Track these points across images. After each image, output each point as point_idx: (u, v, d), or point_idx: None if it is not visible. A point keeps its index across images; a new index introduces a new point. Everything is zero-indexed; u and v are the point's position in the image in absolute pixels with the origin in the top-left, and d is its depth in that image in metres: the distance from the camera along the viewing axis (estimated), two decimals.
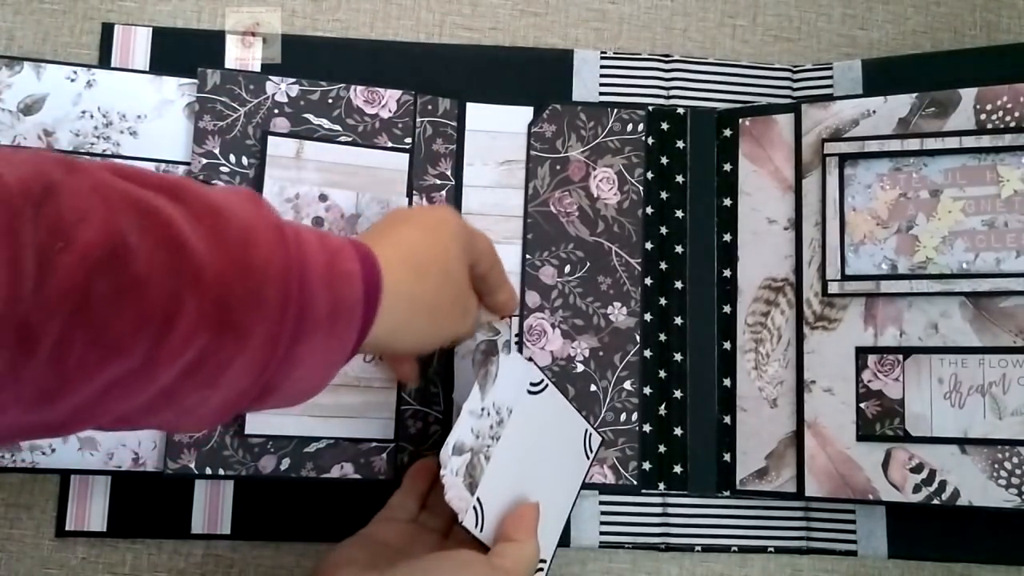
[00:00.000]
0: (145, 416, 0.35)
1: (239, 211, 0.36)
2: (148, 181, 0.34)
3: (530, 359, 0.55)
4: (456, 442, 0.46)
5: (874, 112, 0.56)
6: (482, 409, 0.47)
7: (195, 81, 0.55)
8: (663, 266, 0.58)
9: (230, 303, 0.34)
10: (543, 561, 0.48)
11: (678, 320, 0.58)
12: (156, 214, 0.33)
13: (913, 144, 0.54)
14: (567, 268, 0.57)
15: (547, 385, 0.51)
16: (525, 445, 0.49)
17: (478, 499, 0.46)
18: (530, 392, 0.50)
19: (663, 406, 0.57)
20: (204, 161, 0.55)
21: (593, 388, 0.57)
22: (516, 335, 0.56)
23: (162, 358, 0.33)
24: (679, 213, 0.59)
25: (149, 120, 0.55)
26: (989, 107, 0.53)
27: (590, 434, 0.53)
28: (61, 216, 0.30)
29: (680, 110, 0.59)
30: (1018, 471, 0.51)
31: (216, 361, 0.34)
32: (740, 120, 0.59)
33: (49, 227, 0.30)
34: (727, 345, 0.57)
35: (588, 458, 0.53)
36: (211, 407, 0.37)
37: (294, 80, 0.56)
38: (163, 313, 0.32)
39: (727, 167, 0.59)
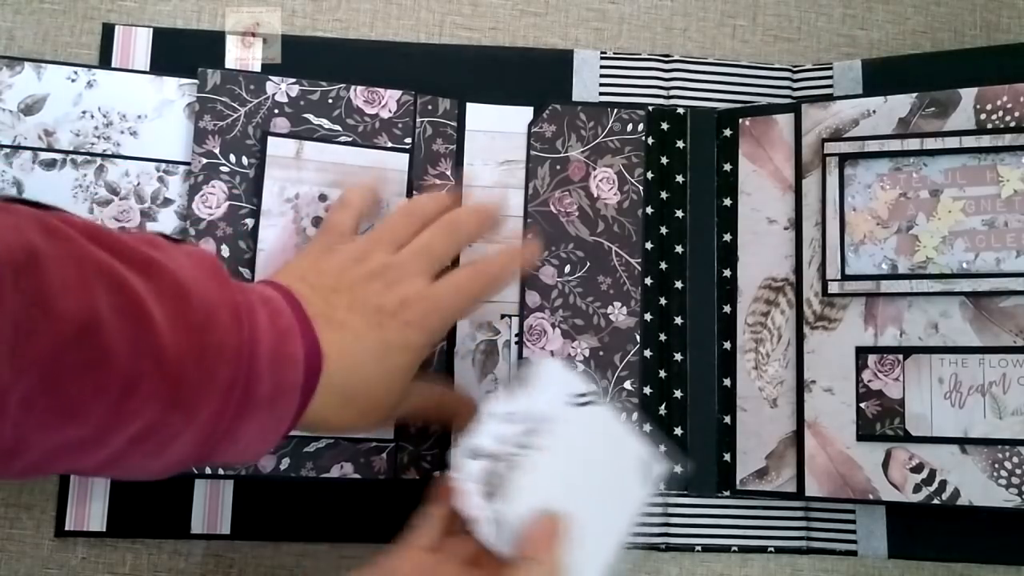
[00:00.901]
0: (92, 472, 0.38)
1: (202, 290, 0.38)
2: (121, 250, 0.36)
3: (583, 370, 0.51)
4: (473, 445, 0.43)
5: (874, 112, 0.56)
6: (508, 413, 0.44)
7: (195, 81, 0.55)
8: (663, 266, 0.58)
9: (184, 382, 0.36)
10: None
11: (678, 320, 0.58)
12: (127, 291, 0.34)
13: (913, 144, 0.54)
14: (567, 268, 0.57)
15: (596, 399, 0.47)
16: (563, 461, 0.45)
17: (498, 510, 0.42)
18: (573, 404, 0.46)
19: (663, 406, 0.57)
20: (204, 161, 0.55)
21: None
22: (516, 335, 0.56)
23: (113, 427, 0.34)
24: (679, 213, 0.59)
25: (149, 120, 0.55)
26: (989, 107, 0.53)
27: (650, 463, 0.48)
28: (41, 286, 0.31)
29: (680, 110, 0.59)
30: (1018, 471, 0.51)
31: (164, 434, 0.36)
32: (740, 120, 0.59)
33: (30, 295, 0.31)
34: (727, 345, 0.57)
35: (648, 487, 0.47)
36: (152, 470, 0.39)
37: (294, 80, 0.56)
38: (121, 386, 0.34)
39: (727, 167, 0.59)
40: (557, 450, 0.45)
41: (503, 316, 0.56)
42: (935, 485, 0.52)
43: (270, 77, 0.56)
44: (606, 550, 0.45)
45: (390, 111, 0.57)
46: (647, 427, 0.56)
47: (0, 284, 0.30)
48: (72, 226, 0.35)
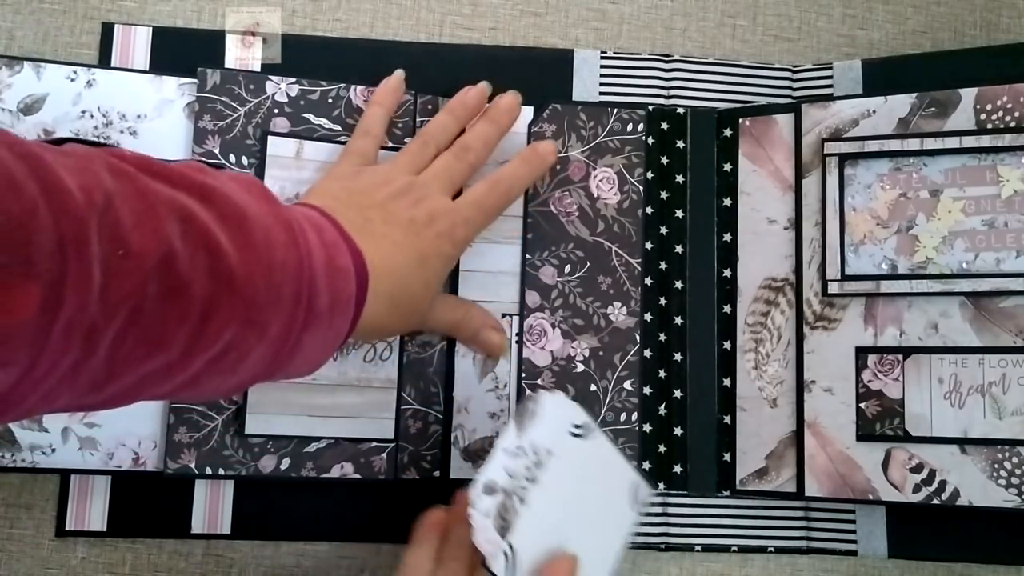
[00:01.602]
0: (166, 396, 0.39)
1: (256, 211, 0.39)
2: (178, 180, 0.37)
3: (574, 399, 0.51)
4: (488, 481, 0.43)
5: (874, 112, 0.56)
6: (518, 447, 0.45)
7: (195, 81, 0.55)
8: (663, 266, 0.58)
9: (255, 301, 0.37)
10: None
11: (678, 320, 0.58)
12: (194, 220, 0.36)
13: (913, 144, 0.54)
14: (567, 268, 0.57)
15: (591, 429, 0.48)
16: (565, 491, 0.46)
17: (509, 544, 0.43)
18: (572, 435, 0.47)
19: (663, 406, 0.57)
20: (204, 161, 0.55)
21: (593, 388, 0.57)
22: (516, 334, 0.56)
23: (195, 351, 0.36)
24: (679, 213, 0.59)
25: (149, 120, 0.55)
26: (989, 107, 0.53)
27: (639, 486, 0.49)
28: (119, 224, 0.33)
29: (680, 110, 0.59)
30: (1018, 471, 0.51)
31: (239, 352, 0.38)
32: (740, 120, 0.59)
33: (110, 235, 0.32)
34: (727, 345, 0.57)
35: (636, 511, 0.49)
36: (226, 388, 0.42)
37: (294, 80, 0.56)
38: (201, 311, 0.35)
39: (727, 167, 0.59)
40: (560, 481, 0.46)
41: (504, 315, 0.56)
42: (935, 485, 0.52)
43: (270, 77, 0.56)
44: (601, 571, 0.47)
45: None
46: (643, 428, 0.56)
47: (87, 228, 0.31)
48: (127, 161, 0.36)
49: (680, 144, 0.59)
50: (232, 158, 0.55)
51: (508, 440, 0.45)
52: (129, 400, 0.38)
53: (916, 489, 0.52)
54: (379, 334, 0.53)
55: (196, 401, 0.43)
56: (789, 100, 0.60)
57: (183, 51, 0.57)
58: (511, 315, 0.57)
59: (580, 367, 0.57)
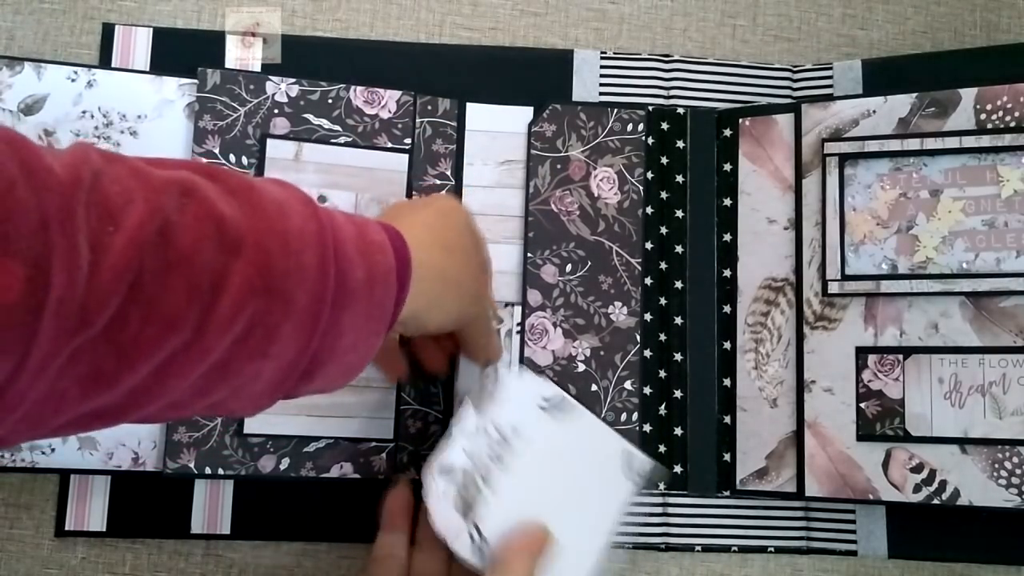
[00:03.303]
0: (200, 397, 0.36)
1: (269, 187, 0.38)
2: (180, 164, 0.36)
3: (544, 374, 0.50)
4: (442, 463, 0.43)
5: (874, 112, 0.56)
6: (476, 427, 0.44)
7: (195, 81, 0.55)
8: (663, 266, 0.58)
9: (272, 269, 0.35)
10: None
11: (678, 320, 0.58)
12: (194, 191, 0.34)
13: (913, 144, 0.54)
14: (568, 267, 0.57)
15: (565, 402, 0.47)
16: (541, 468, 0.44)
17: (475, 524, 0.42)
18: (542, 408, 0.46)
19: (663, 406, 0.57)
20: (204, 161, 0.55)
21: (594, 388, 0.57)
22: (518, 324, 0.56)
23: (212, 327, 0.34)
24: (679, 213, 0.59)
25: (149, 120, 0.55)
26: (989, 107, 0.53)
27: (631, 454, 0.47)
28: (109, 200, 0.31)
29: (680, 110, 0.59)
30: (1018, 471, 0.51)
31: (264, 328, 0.35)
32: (740, 120, 0.59)
33: (99, 212, 0.31)
34: (727, 345, 0.57)
35: (632, 482, 0.46)
36: (264, 382, 0.37)
37: (294, 80, 0.56)
38: (210, 283, 0.33)
39: (727, 167, 0.59)
40: (532, 458, 0.44)
41: (506, 304, 0.56)
42: (935, 485, 0.52)
43: (270, 77, 0.56)
44: (593, 550, 0.45)
45: (390, 111, 0.57)
46: (646, 427, 0.56)
47: (72, 204, 0.30)
48: (130, 156, 0.35)
49: (680, 144, 0.59)
50: (232, 158, 0.55)
51: (465, 421, 0.44)
52: (152, 400, 0.34)
53: (916, 489, 0.52)
54: (435, 318, 0.46)
55: (244, 408, 0.39)
56: (789, 100, 0.60)
57: (183, 51, 0.57)
58: (513, 304, 0.57)
59: (581, 367, 0.57)
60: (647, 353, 0.57)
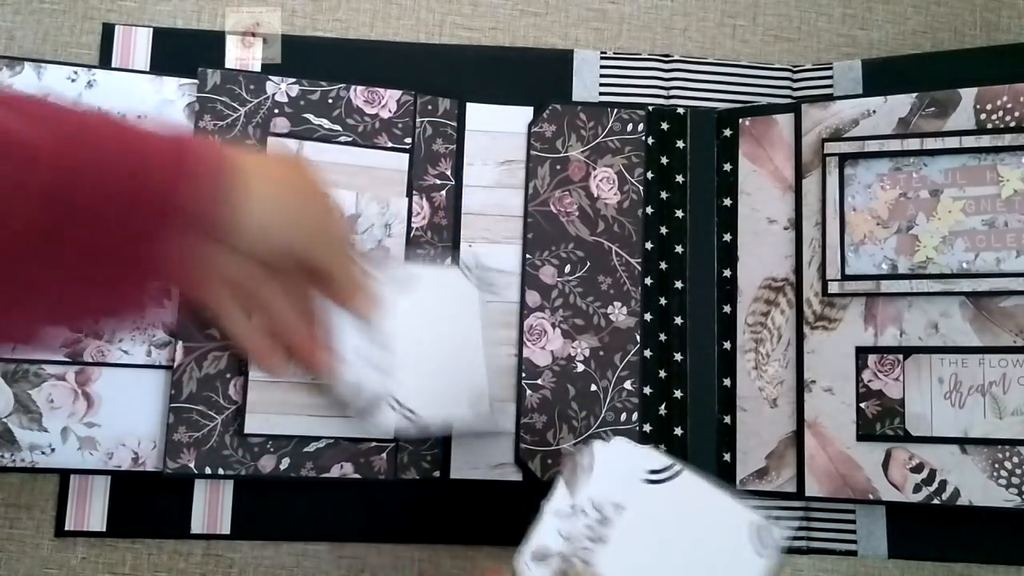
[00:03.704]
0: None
1: (77, 108, 0.37)
2: None
3: (657, 446, 0.47)
4: (536, 548, 0.40)
5: (874, 112, 0.56)
6: (572, 507, 0.41)
7: (195, 81, 0.55)
8: (663, 266, 0.58)
9: (73, 181, 0.34)
10: None
11: (678, 320, 0.58)
12: None
13: (913, 144, 0.54)
14: (567, 268, 0.57)
15: (678, 472, 0.43)
16: (651, 545, 0.41)
17: None
18: (649, 482, 0.42)
19: (663, 406, 0.57)
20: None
21: (593, 388, 0.57)
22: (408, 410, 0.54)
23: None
24: (679, 213, 0.59)
25: (149, 120, 0.55)
26: (989, 107, 0.53)
27: (760, 528, 0.42)
28: None
29: (680, 110, 0.59)
30: (1018, 471, 0.51)
31: (71, 239, 0.35)
32: (740, 120, 0.59)
33: None
34: (727, 345, 0.57)
35: (762, 557, 0.42)
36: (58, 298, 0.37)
37: (294, 80, 0.56)
38: (3, 199, 0.33)
39: (727, 167, 0.59)
40: (639, 535, 0.41)
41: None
42: (935, 485, 0.52)
43: (270, 77, 0.56)
44: None
45: (390, 111, 0.57)
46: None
47: None
48: None
49: (680, 144, 0.59)
50: None
51: (557, 501, 0.41)
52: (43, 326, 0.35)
53: (916, 489, 0.52)
54: (278, 229, 0.44)
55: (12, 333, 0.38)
56: (789, 100, 0.60)
57: (183, 51, 0.57)
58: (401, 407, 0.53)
59: (580, 367, 0.57)
60: (647, 353, 0.57)
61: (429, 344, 0.51)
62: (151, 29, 0.57)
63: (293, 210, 0.44)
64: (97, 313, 0.40)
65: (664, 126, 0.59)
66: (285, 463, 0.53)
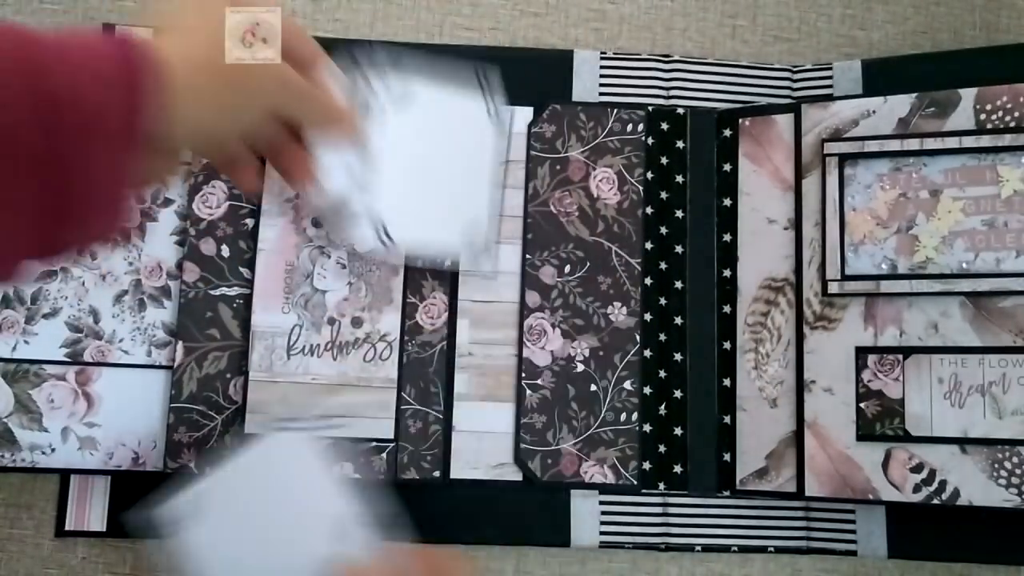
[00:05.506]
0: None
1: None
2: None
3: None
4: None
5: (874, 112, 0.56)
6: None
7: None
8: (663, 266, 0.58)
9: None
10: None
11: (678, 320, 0.58)
12: None
13: (913, 144, 0.54)
14: (567, 268, 0.57)
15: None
16: (240, 517, 0.44)
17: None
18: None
19: (663, 406, 0.57)
20: (204, 160, 0.55)
21: (593, 388, 0.57)
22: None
23: None
24: (679, 213, 0.59)
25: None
26: (989, 107, 0.53)
27: (346, 519, 0.44)
28: None
29: (680, 110, 0.59)
30: (1018, 471, 0.51)
31: None
32: (740, 120, 0.59)
33: None
34: (727, 345, 0.57)
35: (333, 547, 0.43)
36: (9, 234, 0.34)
37: None
38: None
39: (727, 167, 0.59)
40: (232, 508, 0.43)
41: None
42: (935, 485, 0.52)
43: None
44: None
45: None
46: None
47: None
48: None
49: (680, 144, 0.59)
50: None
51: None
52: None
53: (916, 489, 0.52)
54: (230, 120, 0.42)
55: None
56: (789, 100, 0.60)
57: None
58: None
59: (580, 367, 0.57)
60: (647, 353, 0.57)
61: (428, 165, 0.49)
62: (151, 29, 0.57)
63: (228, 102, 0.41)
64: (57, 244, 0.36)
65: (664, 126, 0.59)
66: None
